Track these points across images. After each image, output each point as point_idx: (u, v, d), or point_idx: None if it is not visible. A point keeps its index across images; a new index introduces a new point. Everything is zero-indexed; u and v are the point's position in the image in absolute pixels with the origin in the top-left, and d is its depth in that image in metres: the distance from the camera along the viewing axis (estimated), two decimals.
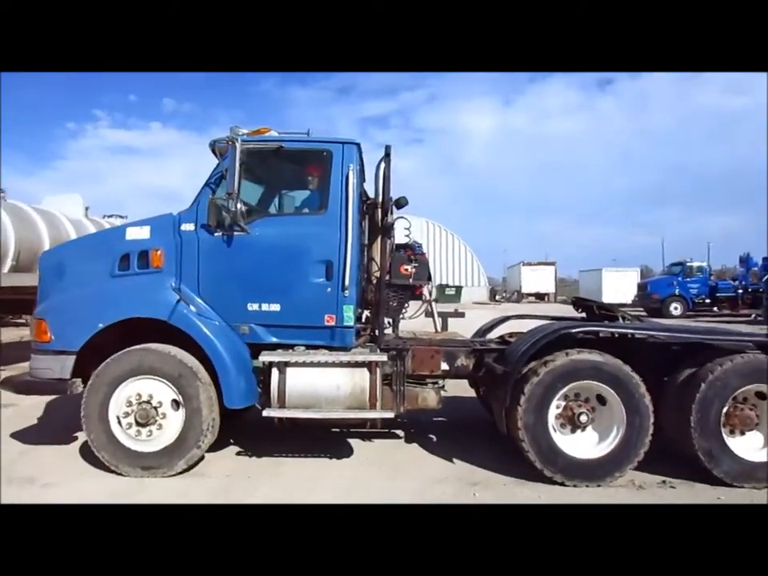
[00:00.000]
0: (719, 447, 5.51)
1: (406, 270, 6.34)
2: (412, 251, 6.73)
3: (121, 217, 19.96)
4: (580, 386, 5.65)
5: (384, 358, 5.91)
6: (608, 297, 41.71)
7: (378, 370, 5.85)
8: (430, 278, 6.47)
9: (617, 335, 6.05)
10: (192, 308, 5.83)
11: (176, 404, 5.72)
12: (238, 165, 5.58)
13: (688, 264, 33.23)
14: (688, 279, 32.11)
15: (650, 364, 5.90)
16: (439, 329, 7.21)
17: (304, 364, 5.82)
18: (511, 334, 7.10)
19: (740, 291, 30.92)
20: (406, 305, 6.59)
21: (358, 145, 6.08)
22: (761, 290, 27.84)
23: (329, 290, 5.88)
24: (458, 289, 45.41)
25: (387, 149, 6.16)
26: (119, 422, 5.70)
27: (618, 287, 41.34)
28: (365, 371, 5.85)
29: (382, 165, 6.22)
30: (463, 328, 7.63)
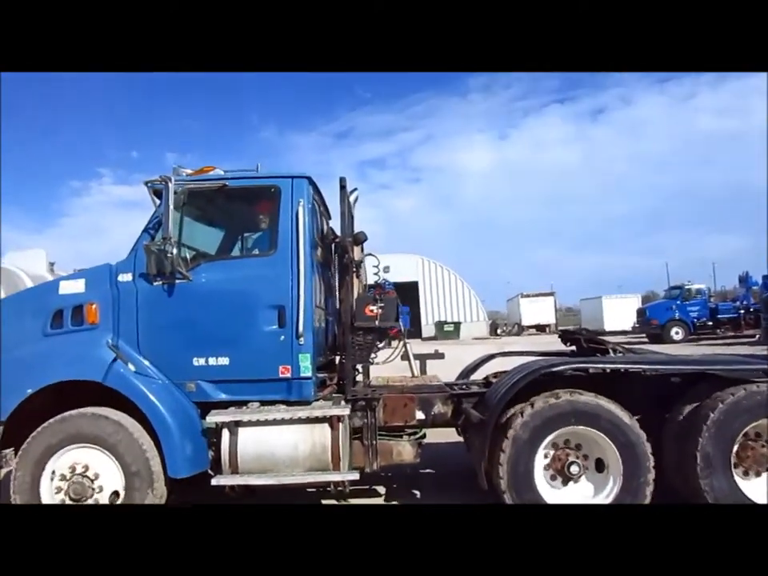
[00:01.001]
0: (730, 491, 4.78)
1: (372, 311, 5.65)
2: (381, 290, 6.09)
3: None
4: (569, 431, 4.94)
5: (346, 411, 5.20)
6: (610, 324, 40.87)
7: (340, 425, 5.14)
8: (397, 319, 5.79)
9: (608, 371, 5.32)
10: (131, 366, 5.15)
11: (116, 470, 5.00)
12: (172, 206, 4.98)
13: (686, 287, 32.33)
14: (687, 302, 31.08)
15: (646, 400, 5.21)
16: (417, 372, 6.51)
17: (257, 423, 5.11)
18: (496, 374, 6.40)
19: (741, 312, 29.83)
20: (375, 349, 5.88)
21: (309, 179, 5.48)
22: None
23: (282, 338, 5.22)
24: (457, 325, 44.54)
25: (342, 181, 5.57)
26: (52, 500, 4.98)
27: (620, 314, 39.99)
28: (325, 427, 5.14)
29: (349, 199, 5.63)
30: (448, 369, 6.93)
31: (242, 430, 5.11)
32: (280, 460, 5.07)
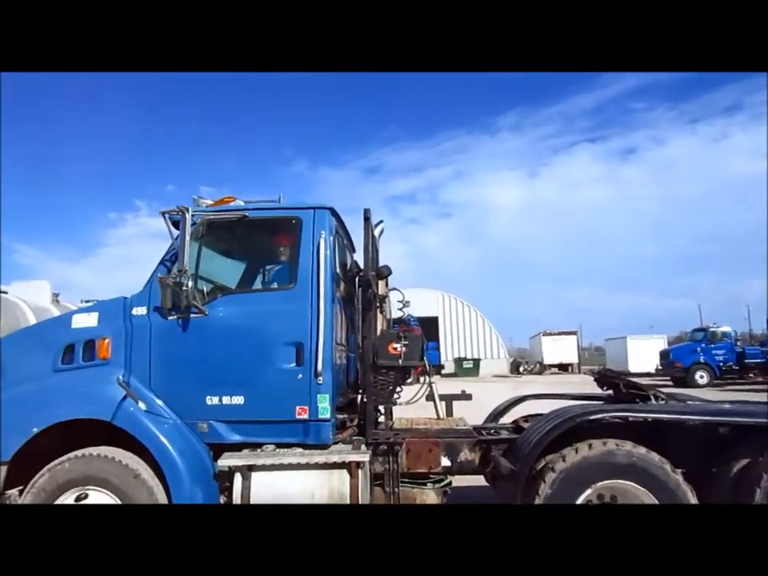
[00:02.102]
0: None
1: (395, 348, 5.28)
2: (406, 326, 5.74)
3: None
4: (607, 486, 4.49)
5: (366, 456, 4.80)
6: (634, 366, 39.50)
7: (359, 471, 4.75)
8: (422, 357, 5.41)
9: (649, 419, 4.86)
10: (141, 405, 4.83)
11: None
12: (188, 238, 4.70)
13: (711, 329, 31.30)
14: (712, 345, 30.04)
15: (691, 452, 4.75)
16: (443, 414, 6.09)
17: (271, 467, 4.74)
18: (527, 418, 5.99)
19: None
20: (399, 389, 5.49)
21: (332, 209, 5.19)
22: None
23: (300, 376, 4.86)
24: (476, 362, 43.74)
25: (366, 212, 5.27)
26: None
27: (644, 355, 38.49)
28: (344, 473, 4.75)
29: (373, 231, 5.33)
30: (475, 410, 6.51)
31: (255, 475, 4.74)
32: None
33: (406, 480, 5.25)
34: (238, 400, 4.89)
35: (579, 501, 4.47)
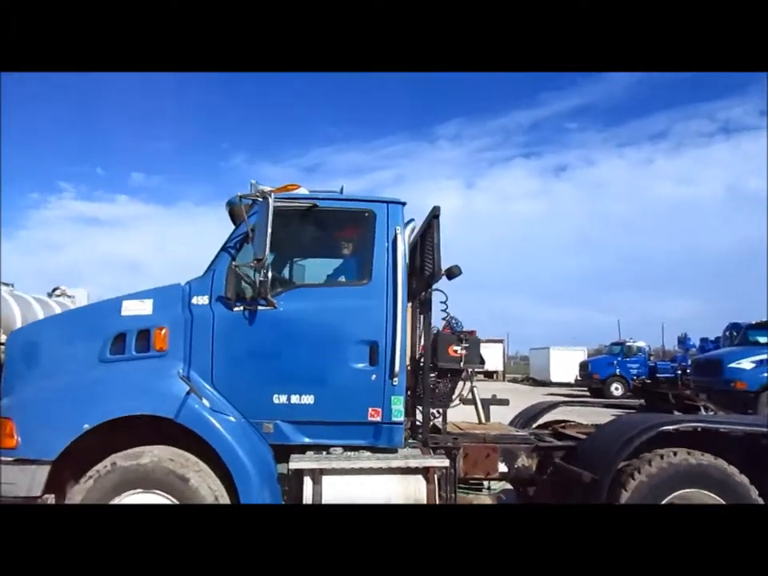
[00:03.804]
0: None
1: (455, 351, 5.08)
2: (450, 328, 5.53)
3: (68, 296, 17.57)
4: (688, 494, 4.45)
5: (446, 462, 4.59)
6: (555, 376, 40.51)
7: (435, 477, 4.53)
8: (482, 361, 5.23)
9: (715, 430, 4.84)
10: (205, 401, 4.43)
11: None
12: (270, 225, 4.33)
13: (627, 344, 32.63)
14: (628, 359, 31.35)
15: (755, 464, 4.76)
16: (483, 419, 5.93)
17: (345, 471, 4.45)
18: (564, 425, 5.90)
19: (679, 372, 29.74)
20: (456, 393, 5.29)
21: (404, 204, 4.93)
22: None
23: (373, 377, 4.59)
24: None
25: (436, 210, 5.03)
26: None
27: (566, 366, 39.19)
28: (419, 479, 4.52)
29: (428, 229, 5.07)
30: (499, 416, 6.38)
31: (326, 479, 4.42)
32: None
33: (463, 485, 5.06)
34: (308, 399, 4.56)
35: None
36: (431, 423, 5.15)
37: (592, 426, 5.91)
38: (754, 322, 21.75)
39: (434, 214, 5.02)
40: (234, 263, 4.53)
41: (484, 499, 5.01)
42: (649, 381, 30.23)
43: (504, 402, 6.29)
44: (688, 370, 28.10)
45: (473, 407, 5.88)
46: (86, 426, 4.25)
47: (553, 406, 6.62)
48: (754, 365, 18.92)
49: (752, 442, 4.90)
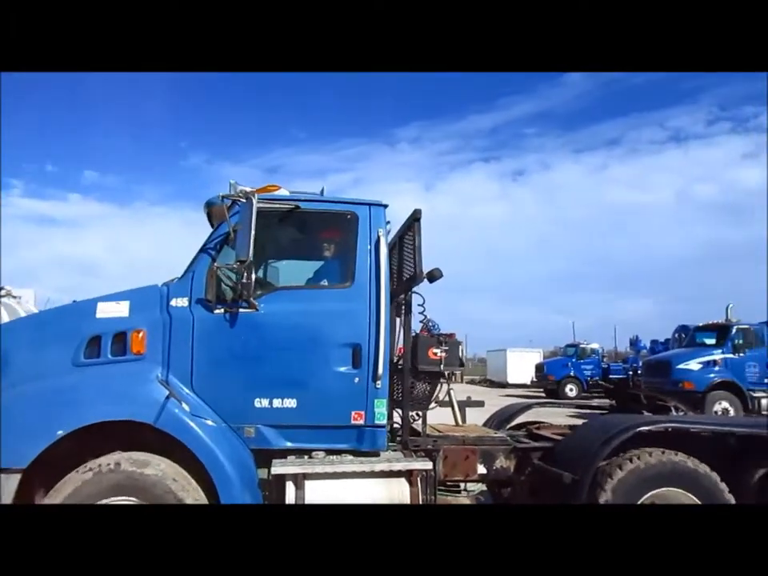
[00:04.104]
0: None
1: (436, 354, 5.06)
2: (428, 331, 5.51)
3: (14, 297, 16.60)
4: (664, 493, 4.53)
5: (429, 464, 4.57)
6: (512, 377, 40.92)
7: (418, 480, 4.50)
8: (462, 364, 5.23)
9: (686, 431, 4.93)
10: (185, 406, 4.30)
11: None
12: (254, 226, 4.24)
13: (581, 346, 33.26)
14: (582, 361, 31.96)
15: (722, 462, 4.88)
16: (460, 421, 5.92)
17: (328, 475, 4.38)
18: (538, 426, 5.95)
19: (630, 373, 30.37)
20: (436, 395, 5.27)
21: (386, 207, 4.89)
22: None
23: (356, 380, 4.54)
24: None
25: (417, 213, 5.00)
26: None
27: (522, 367, 39.58)
28: (402, 482, 4.49)
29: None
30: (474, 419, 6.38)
31: (309, 484, 4.35)
32: None
33: (441, 488, 5.04)
34: (290, 403, 4.48)
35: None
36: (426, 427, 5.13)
37: (566, 426, 5.99)
38: (701, 324, 22.43)
39: (415, 217, 4.99)
40: (216, 264, 4.42)
41: (463, 501, 4.99)
42: (602, 382, 30.98)
43: (479, 404, 6.30)
44: (639, 371, 28.92)
45: (449, 409, 5.86)
46: (60, 433, 4.08)
47: (527, 407, 6.67)
48: (701, 366, 19.65)
49: (721, 442, 5.03)
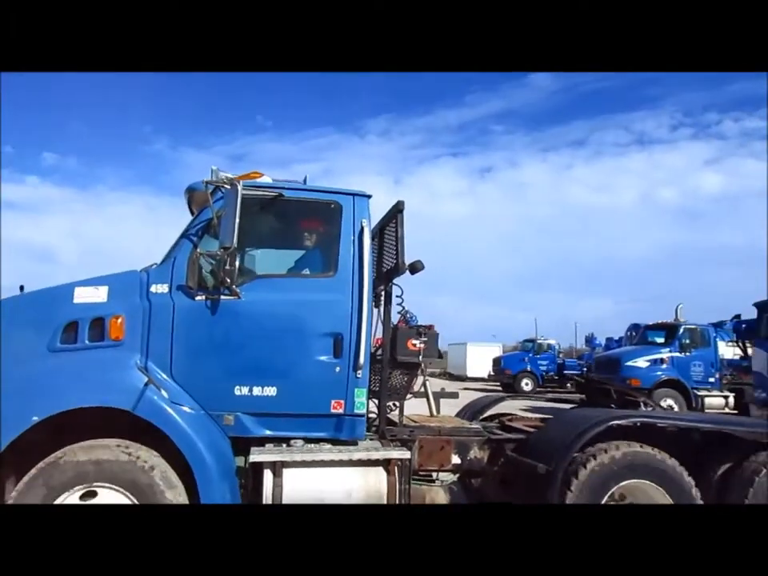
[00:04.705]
0: None
1: (414, 345, 5.06)
2: (406, 322, 5.50)
3: None
4: (632, 484, 4.62)
5: (407, 454, 4.58)
6: (471, 371, 41.16)
7: (396, 469, 4.50)
8: (440, 355, 5.23)
9: (653, 425, 5.05)
10: (163, 393, 4.20)
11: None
12: (238, 213, 4.16)
13: (538, 341, 33.68)
14: (538, 356, 32.35)
15: (687, 455, 5.00)
16: (435, 412, 5.93)
17: (306, 464, 4.34)
18: (510, 418, 6.01)
19: (584, 369, 30.76)
20: (412, 386, 5.28)
21: (370, 197, 4.86)
22: None
23: (337, 369, 4.51)
24: None
25: (400, 204, 4.98)
26: None
27: (481, 361, 39.59)
28: (380, 471, 4.49)
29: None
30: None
31: (287, 472, 4.31)
32: None
33: (415, 477, 5.04)
34: (270, 392, 4.43)
35: (605, 498, 4.56)
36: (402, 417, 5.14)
37: (538, 419, 6.06)
38: (651, 324, 22.99)
39: (399, 209, 4.97)
40: (199, 251, 4.33)
41: (437, 491, 5.01)
42: (557, 377, 31.50)
43: (454, 396, 6.34)
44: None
45: (423, 400, 5.87)
46: (35, 419, 3.94)
47: (499, 399, 6.73)
48: (648, 363, 20.20)
49: (687, 437, 5.16)
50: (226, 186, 4.31)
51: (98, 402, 4.07)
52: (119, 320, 4.32)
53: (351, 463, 4.43)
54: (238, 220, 4.14)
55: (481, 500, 5.66)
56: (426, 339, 5.09)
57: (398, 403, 5.20)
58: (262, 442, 4.48)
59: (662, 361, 20.09)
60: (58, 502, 3.92)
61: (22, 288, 4.66)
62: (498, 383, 32.92)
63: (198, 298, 4.39)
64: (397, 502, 4.41)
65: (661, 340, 21.24)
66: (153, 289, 4.40)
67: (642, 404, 5.84)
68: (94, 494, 4.01)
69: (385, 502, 4.38)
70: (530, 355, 32.23)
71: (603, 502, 4.55)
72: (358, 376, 4.52)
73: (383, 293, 5.14)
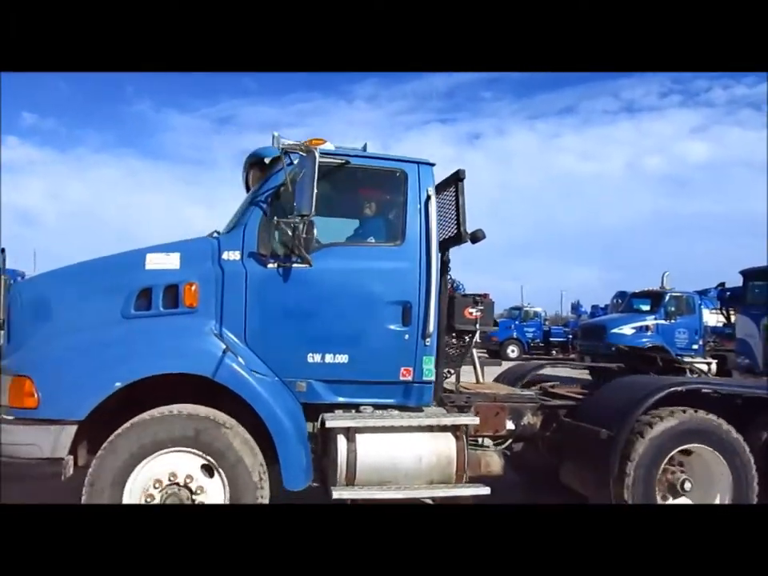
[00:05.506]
0: None
1: (471, 313, 5.04)
2: (453, 291, 5.48)
3: None
4: (690, 448, 4.72)
5: (476, 420, 4.60)
6: None
7: (464, 435, 4.52)
8: (496, 323, 5.23)
9: (739, 394, 5.14)
10: (240, 360, 4.15)
11: (209, 470, 4.01)
12: (316, 180, 4.07)
13: (525, 309, 33.84)
14: (524, 323, 32.47)
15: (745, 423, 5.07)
16: (481, 379, 5.95)
17: (377, 429, 4.34)
18: (552, 386, 6.05)
19: (570, 336, 31.27)
20: (467, 354, 5.28)
21: (434, 165, 4.78)
22: None
23: (406, 337, 4.48)
24: None
25: (461, 173, 4.92)
26: None
27: None
28: (449, 437, 4.50)
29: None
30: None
31: (360, 438, 4.30)
32: (401, 472, 4.34)
33: (471, 442, 5.07)
34: (342, 359, 4.40)
35: (664, 462, 4.64)
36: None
37: (578, 386, 6.12)
38: (637, 291, 23.26)
39: (459, 177, 4.92)
40: (276, 219, 4.23)
41: (491, 455, 5.02)
42: (543, 344, 31.73)
43: (497, 363, 6.36)
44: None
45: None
46: (118, 384, 3.90)
47: (539, 366, 6.77)
48: (634, 330, 20.61)
49: (732, 402, 5.22)
50: (302, 152, 4.20)
51: (179, 368, 4.02)
52: (193, 287, 4.23)
53: (420, 429, 4.44)
54: (315, 187, 4.05)
55: (530, 466, 5.71)
56: (482, 308, 5.08)
57: (453, 370, 5.20)
58: (329, 408, 4.46)
59: (647, 328, 20.41)
60: (139, 467, 3.88)
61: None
62: (485, 350, 33.17)
63: (270, 265, 4.31)
64: (465, 467, 4.43)
65: (646, 307, 21.65)
66: (225, 256, 4.32)
67: (688, 371, 5.91)
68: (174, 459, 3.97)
69: (454, 467, 4.40)
70: (517, 323, 32.15)
71: (662, 466, 4.64)
72: (427, 344, 4.50)
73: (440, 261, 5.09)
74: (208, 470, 4.00)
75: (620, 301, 25.73)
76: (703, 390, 4.97)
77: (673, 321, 20.26)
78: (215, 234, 4.64)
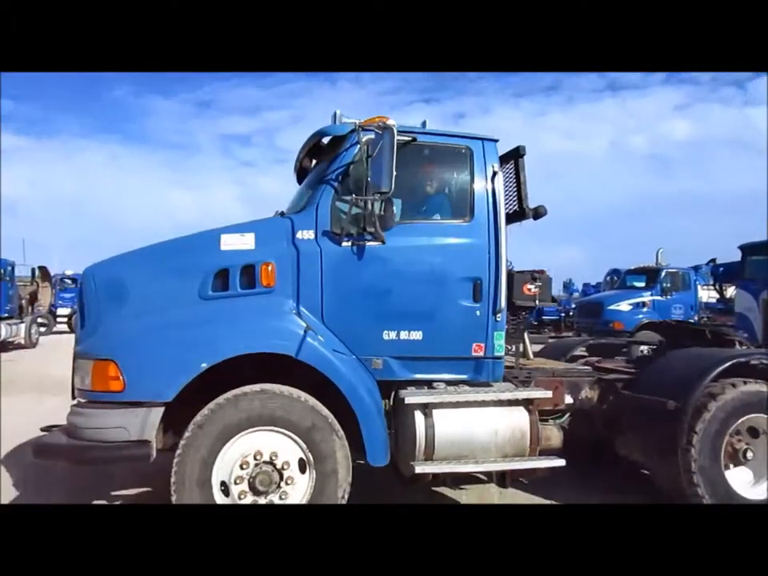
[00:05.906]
0: None
1: (530, 289, 5.05)
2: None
3: None
4: (749, 420, 4.78)
5: (549, 394, 4.62)
6: None
7: (536, 409, 4.54)
8: (554, 299, 5.24)
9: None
10: (320, 338, 4.12)
11: (302, 465, 3.99)
12: (394, 157, 4.02)
13: None
14: None
15: None
16: (530, 355, 5.97)
17: (457, 405, 4.35)
18: (599, 360, 6.09)
19: (563, 315, 31.20)
20: (526, 329, 5.30)
21: (497, 142, 4.75)
22: None
23: (478, 313, 4.48)
24: None
25: (522, 150, 4.91)
26: (226, 490, 3.89)
27: None
28: (522, 411, 4.51)
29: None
30: None
31: (436, 413, 4.31)
32: (477, 446, 4.37)
33: None
34: (416, 336, 4.39)
35: (728, 432, 4.69)
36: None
37: (623, 361, 6.17)
38: (632, 268, 23.41)
39: (520, 153, 4.91)
40: (354, 196, 4.18)
41: (551, 429, 5.04)
42: (536, 323, 31.82)
43: (543, 341, 6.38)
44: (571, 313, 29.78)
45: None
46: (205, 365, 3.85)
47: (582, 341, 6.81)
48: (630, 307, 20.58)
49: None
50: (378, 129, 4.14)
51: (263, 348, 3.99)
52: (270, 267, 4.19)
53: (495, 403, 4.45)
54: (394, 164, 4.01)
55: (587, 439, 5.73)
56: (540, 284, 5.09)
57: (512, 346, 5.21)
58: (402, 385, 4.45)
59: (643, 304, 20.50)
60: (231, 442, 3.88)
61: None
62: None
63: (344, 243, 4.27)
64: (538, 440, 4.46)
65: (641, 284, 21.79)
66: (299, 235, 4.27)
67: (737, 344, 5.96)
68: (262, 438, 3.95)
69: (528, 440, 4.43)
70: None
71: (726, 436, 4.69)
72: (498, 319, 4.51)
73: None
74: (302, 465, 4.00)
75: (615, 278, 25.90)
76: (764, 362, 5.01)
77: (669, 297, 20.31)
78: (282, 214, 4.59)
